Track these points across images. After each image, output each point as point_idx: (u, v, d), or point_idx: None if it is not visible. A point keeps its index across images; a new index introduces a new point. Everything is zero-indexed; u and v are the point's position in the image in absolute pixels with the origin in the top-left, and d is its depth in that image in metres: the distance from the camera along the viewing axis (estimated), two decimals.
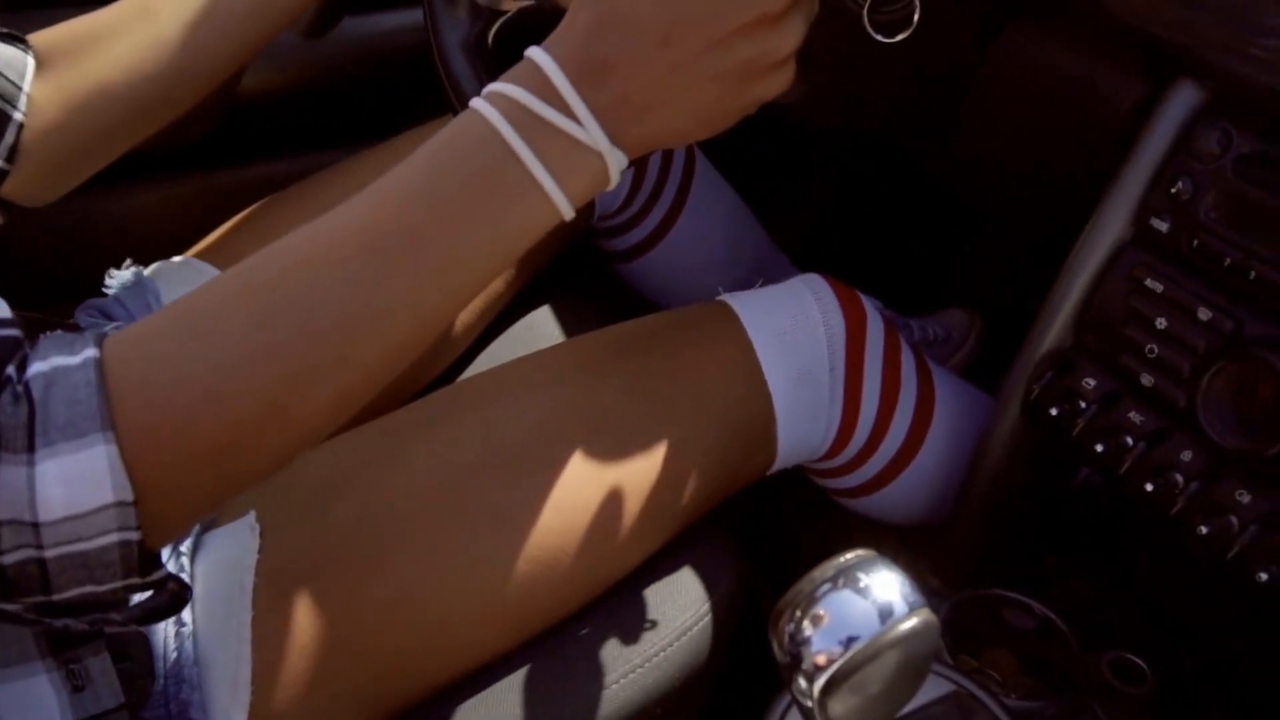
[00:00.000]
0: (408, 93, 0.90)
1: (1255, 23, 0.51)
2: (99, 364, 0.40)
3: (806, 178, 1.22)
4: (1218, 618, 0.70)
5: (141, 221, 0.91)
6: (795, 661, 0.44)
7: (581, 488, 0.63)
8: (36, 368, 0.40)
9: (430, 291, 0.44)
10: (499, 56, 0.68)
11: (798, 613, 0.44)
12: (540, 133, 0.43)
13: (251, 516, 0.59)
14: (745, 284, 1.04)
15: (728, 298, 0.73)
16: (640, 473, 0.65)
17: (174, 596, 0.46)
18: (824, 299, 0.72)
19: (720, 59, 0.43)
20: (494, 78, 0.64)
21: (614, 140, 0.44)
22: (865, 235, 1.23)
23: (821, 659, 0.43)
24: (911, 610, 0.43)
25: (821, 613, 0.44)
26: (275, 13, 0.70)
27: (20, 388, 0.39)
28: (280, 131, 0.95)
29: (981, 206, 0.94)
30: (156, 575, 0.44)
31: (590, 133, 0.43)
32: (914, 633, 0.43)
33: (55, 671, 0.46)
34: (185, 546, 0.59)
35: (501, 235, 0.44)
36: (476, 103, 0.44)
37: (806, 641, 0.43)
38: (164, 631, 0.54)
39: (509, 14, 0.68)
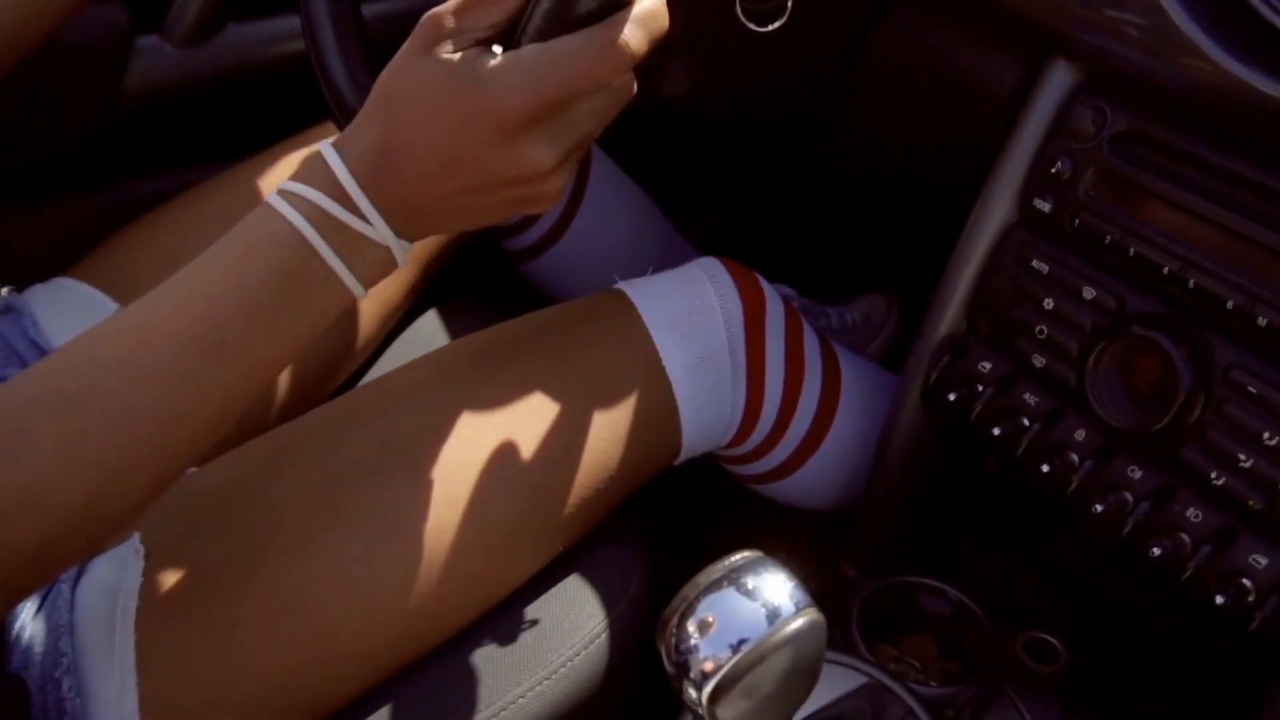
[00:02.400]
0: (293, 101, 0.87)
1: (1143, 4, 0.51)
2: None
3: (712, 170, 1.21)
4: (1126, 593, 0.71)
5: (16, 245, 0.87)
6: (683, 670, 0.43)
7: (473, 486, 0.61)
8: None
9: (239, 383, 0.46)
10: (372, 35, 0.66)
11: (684, 618, 0.43)
12: (337, 232, 0.46)
13: (136, 539, 0.57)
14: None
15: (622, 285, 0.71)
16: (536, 468, 0.64)
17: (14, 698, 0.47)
18: (720, 282, 0.71)
19: (488, 195, 0.47)
20: (360, 37, 0.63)
21: (399, 235, 0.48)
22: (777, 225, 1.23)
23: (709, 665, 0.42)
24: (799, 610, 0.42)
25: (709, 618, 0.43)
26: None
27: None
28: (162, 145, 0.92)
29: (878, 190, 0.94)
30: None
31: (379, 231, 0.47)
32: (802, 633, 0.42)
33: None
34: (65, 575, 0.56)
35: (303, 325, 0.47)
36: (277, 203, 0.46)
37: (693, 649, 0.42)
38: (41, 665, 0.52)
39: None
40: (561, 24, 0.45)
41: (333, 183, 0.46)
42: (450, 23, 0.45)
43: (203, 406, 0.46)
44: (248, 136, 0.86)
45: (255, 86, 0.94)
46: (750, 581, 0.44)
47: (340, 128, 0.58)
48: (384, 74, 0.47)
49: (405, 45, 0.47)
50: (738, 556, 0.45)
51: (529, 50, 0.45)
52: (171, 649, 0.54)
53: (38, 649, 0.53)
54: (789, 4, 0.57)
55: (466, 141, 0.45)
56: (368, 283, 0.48)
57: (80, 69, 0.85)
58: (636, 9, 0.45)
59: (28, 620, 0.54)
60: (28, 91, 0.84)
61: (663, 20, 0.47)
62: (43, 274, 0.75)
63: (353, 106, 0.62)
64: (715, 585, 0.44)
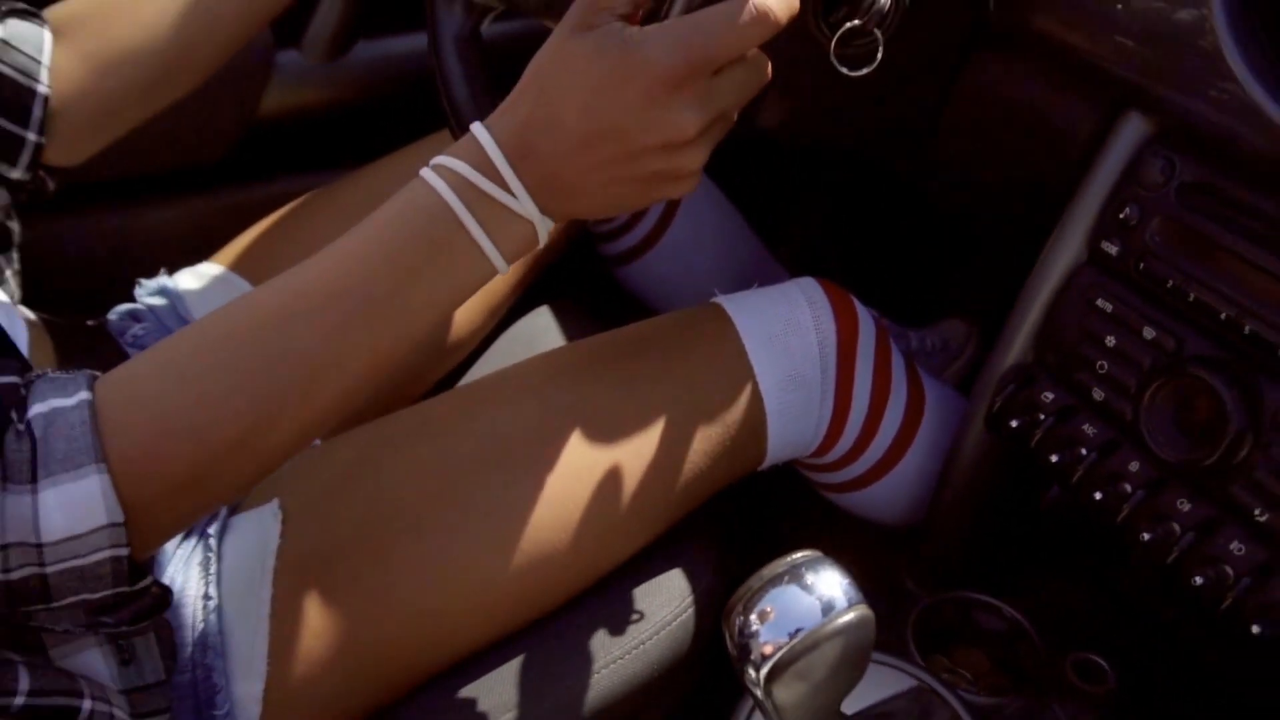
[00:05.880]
0: (414, 111, 0.94)
1: (1215, 67, 0.54)
2: (91, 405, 0.46)
3: (802, 192, 1.25)
4: (1172, 619, 0.73)
5: (168, 234, 0.96)
6: (744, 653, 0.48)
7: (574, 484, 0.67)
8: (36, 409, 0.46)
9: (384, 339, 0.50)
10: (490, 50, 0.73)
11: (748, 608, 0.48)
12: (481, 203, 0.49)
13: (275, 504, 0.64)
14: (741, 289, 1.08)
15: (722, 300, 0.75)
16: (631, 470, 0.68)
17: (156, 600, 0.51)
18: (816, 303, 0.75)
19: (631, 167, 0.49)
20: (482, 70, 0.68)
21: (543, 211, 0.50)
22: (863, 247, 1.26)
23: (768, 649, 0.47)
24: (851, 605, 0.47)
25: (769, 608, 0.48)
26: None
27: (22, 427, 0.45)
28: (296, 149, 1.00)
29: (963, 219, 0.97)
30: (143, 583, 0.49)
31: (523, 205, 0.49)
32: (852, 625, 0.47)
33: (106, 645, 0.51)
34: (213, 529, 0.64)
35: (445, 292, 0.50)
36: (427, 174, 0.50)
37: (754, 634, 0.48)
38: (192, 604, 0.59)
39: (498, 10, 0.73)
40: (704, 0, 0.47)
41: (481, 156, 0.49)
42: (595, 2, 0.48)
43: (349, 359, 0.49)
44: (374, 142, 0.94)
45: (381, 97, 1.02)
46: (809, 577, 0.49)
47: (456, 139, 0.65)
48: (535, 57, 0.49)
49: (555, 29, 0.49)
50: (799, 554, 0.50)
51: (674, 19, 0.47)
52: (301, 608, 0.61)
53: (192, 590, 0.60)
54: (879, 51, 0.61)
55: (611, 106, 0.47)
56: (510, 256, 0.50)
57: (228, 81, 0.94)
58: None
59: (179, 567, 0.61)
60: (181, 101, 0.94)
61: (796, 1, 0.48)
62: (191, 259, 0.84)
63: (470, 121, 0.69)
64: (777, 579, 0.49)
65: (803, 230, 1.26)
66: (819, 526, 0.94)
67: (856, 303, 0.77)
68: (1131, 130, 0.61)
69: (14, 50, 0.68)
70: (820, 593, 0.48)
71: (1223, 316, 0.57)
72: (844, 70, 0.62)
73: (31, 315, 0.73)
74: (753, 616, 0.48)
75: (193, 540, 0.63)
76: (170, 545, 0.63)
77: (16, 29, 0.69)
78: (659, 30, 0.47)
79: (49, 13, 0.72)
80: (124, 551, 0.47)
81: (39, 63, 0.69)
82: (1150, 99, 0.60)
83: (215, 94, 0.95)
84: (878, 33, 0.60)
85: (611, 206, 0.52)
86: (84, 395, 0.46)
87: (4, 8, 0.70)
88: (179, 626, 0.59)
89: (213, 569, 0.61)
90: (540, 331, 0.92)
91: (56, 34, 0.71)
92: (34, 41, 0.69)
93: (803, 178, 1.24)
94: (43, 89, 0.69)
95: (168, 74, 0.74)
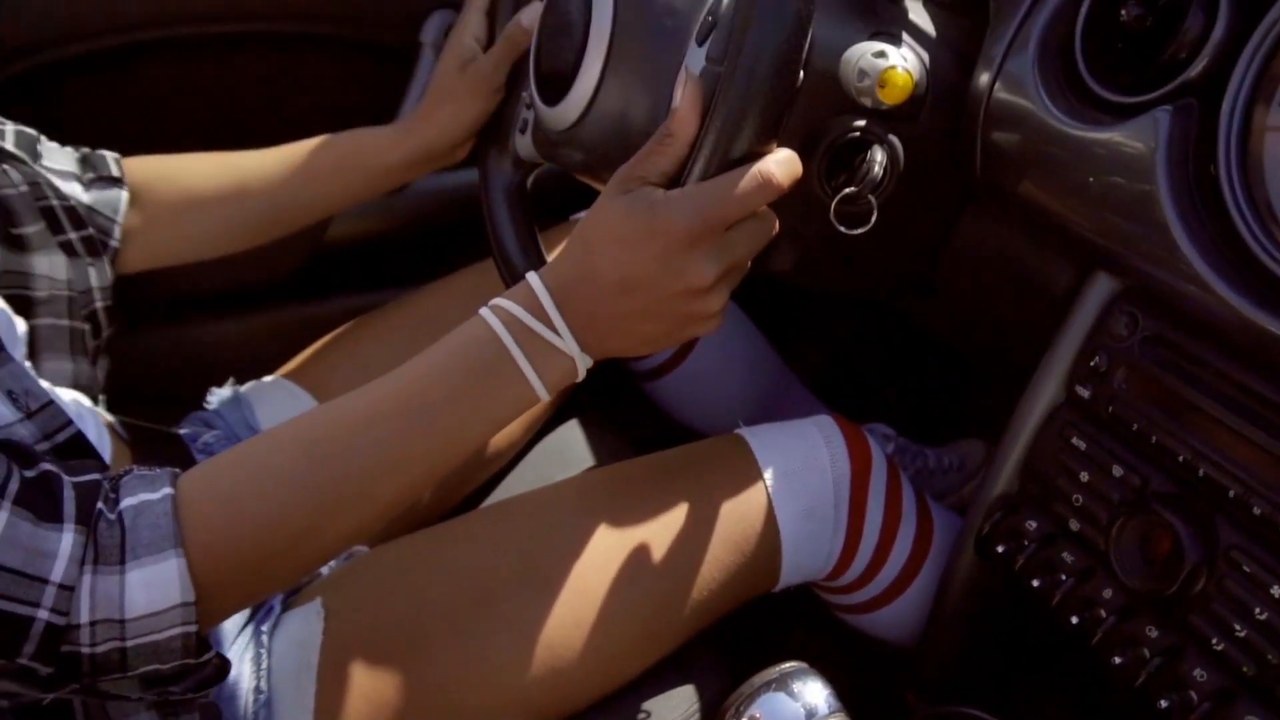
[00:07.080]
0: (462, 239, 1.04)
1: (1166, 239, 0.60)
2: (174, 498, 0.54)
3: (822, 313, 1.33)
4: None
5: (239, 345, 1.06)
6: None
7: (598, 602, 0.73)
8: (127, 502, 0.53)
9: (437, 451, 0.57)
10: (535, 199, 0.82)
11: (740, 711, 0.54)
12: (529, 339, 0.57)
13: (318, 602, 0.71)
14: (762, 409, 1.13)
15: (745, 434, 0.81)
16: (652, 592, 0.75)
17: (216, 670, 0.57)
18: (833, 441, 0.81)
19: (659, 311, 0.57)
20: (527, 220, 0.76)
21: (583, 349, 0.58)
22: (882, 368, 1.33)
23: None
24: (830, 713, 0.53)
25: (758, 713, 0.54)
26: (358, 191, 0.89)
27: (114, 517, 0.52)
28: (356, 271, 1.10)
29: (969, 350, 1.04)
30: (206, 656, 0.55)
31: (566, 343, 0.57)
32: None
33: None
34: (266, 626, 0.71)
35: (493, 413, 0.58)
36: (485, 313, 0.58)
37: None
38: (245, 697, 0.66)
39: (543, 167, 0.83)
40: (718, 168, 0.56)
41: (532, 300, 0.57)
42: (630, 172, 0.57)
43: (407, 466, 0.56)
44: (426, 266, 1.04)
45: (433, 226, 1.12)
46: (796, 685, 0.55)
47: (508, 286, 0.73)
48: (583, 218, 0.59)
49: (601, 194, 0.59)
50: (787, 665, 0.56)
51: (692, 185, 0.56)
52: (343, 703, 0.67)
53: (245, 684, 0.66)
54: (874, 214, 0.69)
55: (640, 260, 0.55)
56: (551, 386, 0.58)
57: None
58: (775, 154, 0.56)
59: (234, 660, 0.68)
60: None
61: (797, 167, 0.57)
62: (259, 371, 0.93)
63: (520, 272, 0.77)
64: (766, 686, 0.55)
65: (822, 349, 1.33)
66: (828, 639, 0.99)
67: (870, 440, 0.83)
68: (1101, 287, 0.68)
69: (98, 214, 0.82)
70: (805, 700, 0.54)
71: (1180, 459, 0.62)
72: (842, 229, 0.70)
73: (112, 419, 0.82)
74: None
75: (247, 635, 0.70)
76: (228, 639, 0.70)
77: (101, 196, 0.83)
78: (680, 194, 0.56)
79: (130, 174, 0.86)
80: (193, 628, 0.53)
81: (114, 222, 0.84)
82: (1115, 262, 0.67)
83: None
84: (872, 199, 0.69)
85: (644, 346, 0.59)
86: (167, 490, 0.54)
87: (90, 176, 0.84)
88: (233, 718, 0.65)
89: (264, 664, 0.67)
90: (572, 443, 0.99)
91: (133, 197, 0.85)
92: (113, 204, 0.84)
93: (821, 303, 1.31)
94: (114, 243, 0.84)
95: (223, 247, 0.89)
